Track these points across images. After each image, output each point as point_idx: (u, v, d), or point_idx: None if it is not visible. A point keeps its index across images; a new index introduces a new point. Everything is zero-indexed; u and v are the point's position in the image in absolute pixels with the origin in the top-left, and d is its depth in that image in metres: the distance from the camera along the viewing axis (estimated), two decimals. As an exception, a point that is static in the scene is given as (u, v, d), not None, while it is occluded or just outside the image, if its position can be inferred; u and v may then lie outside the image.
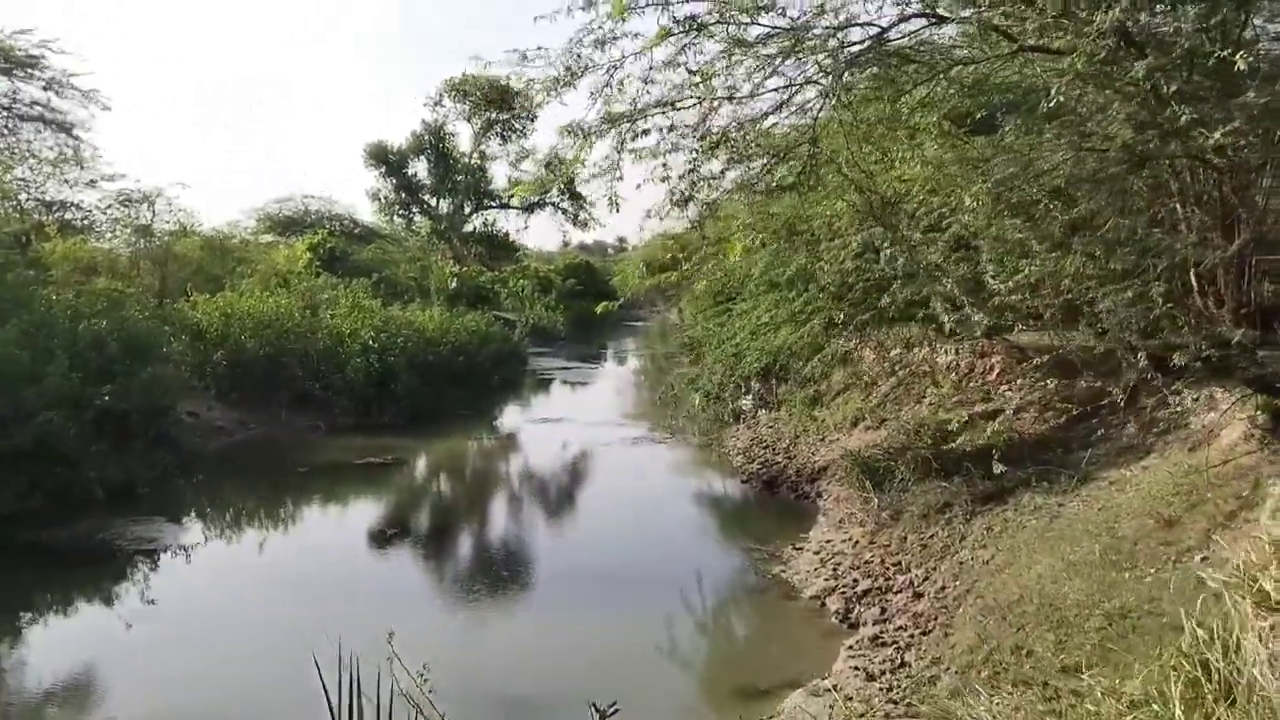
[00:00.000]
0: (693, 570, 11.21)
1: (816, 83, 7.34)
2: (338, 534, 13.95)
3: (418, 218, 44.19)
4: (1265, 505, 7.09)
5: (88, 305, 16.19)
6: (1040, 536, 9.04)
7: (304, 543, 13.49)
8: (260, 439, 18.87)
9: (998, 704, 5.37)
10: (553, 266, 54.13)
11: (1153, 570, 7.35)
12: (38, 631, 9.90)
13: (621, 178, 7.47)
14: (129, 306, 17.65)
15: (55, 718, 7.85)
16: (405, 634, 5.27)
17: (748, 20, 7.02)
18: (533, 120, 41.03)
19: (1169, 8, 6.98)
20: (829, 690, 7.57)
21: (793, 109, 7.73)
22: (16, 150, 22.60)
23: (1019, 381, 12.04)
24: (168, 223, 24.68)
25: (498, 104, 40.34)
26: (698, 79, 7.07)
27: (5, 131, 22.67)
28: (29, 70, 22.09)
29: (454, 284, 36.66)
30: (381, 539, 13.20)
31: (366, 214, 44.75)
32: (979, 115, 7.86)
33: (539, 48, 7.01)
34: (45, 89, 22.51)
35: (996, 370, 13.32)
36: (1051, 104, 6.00)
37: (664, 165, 7.49)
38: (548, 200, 41.11)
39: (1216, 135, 5.28)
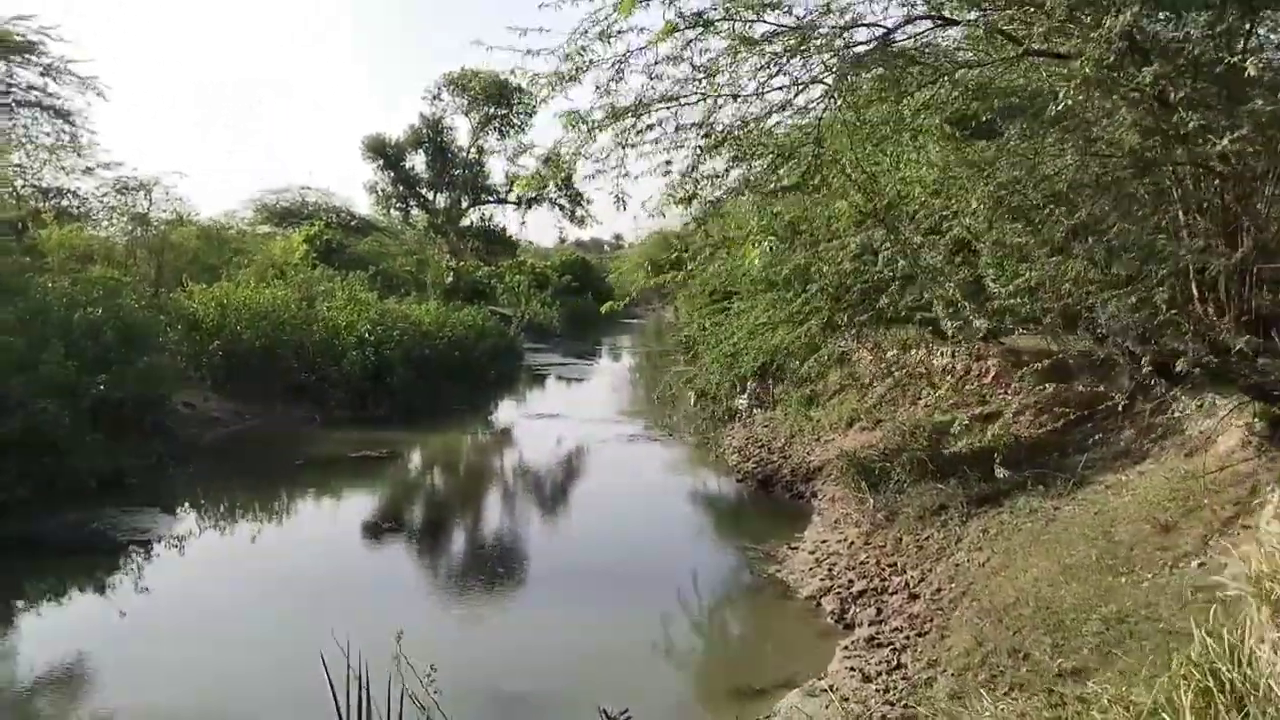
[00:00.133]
0: (688, 569, 11.21)
1: (822, 82, 7.34)
2: (332, 527, 13.92)
3: (415, 211, 44.07)
4: (1264, 511, 7.13)
5: (83, 293, 16.12)
6: (1036, 540, 9.06)
7: (299, 535, 13.46)
8: (256, 430, 18.83)
9: (1002, 709, 5.37)
10: (549, 263, 54.07)
11: (1149, 575, 7.37)
12: (29, 621, 9.84)
13: (627, 174, 7.46)
14: (125, 295, 17.58)
15: (48, 709, 7.82)
16: (399, 627, 5.27)
17: (754, 17, 7.01)
18: (531, 116, 40.96)
19: (1174, 15, 6.99)
20: (825, 691, 7.57)
21: (797, 109, 7.73)
22: (13, 136, 22.49)
23: (1016, 385, 12.06)
24: (164, 211, 24.61)
25: (496, 99, 40.25)
26: (702, 76, 7.05)
27: (2, 116, 22.56)
28: (26, 55, 21.97)
29: (450, 278, 36.62)
30: (376, 533, 13.19)
31: (364, 206, 44.72)
32: (984, 119, 7.85)
33: (540, 29, 6.96)
34: (43, 74, 22.41)
35: (993, 374, 13.35)
36: (1060, 107, 6.00)
37: (667, 161, 7.49)
38: (545, 196, 40.98)
39: (1224, 142, 5.29)
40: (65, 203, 24.37)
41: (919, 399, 14.27)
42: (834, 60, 7.19)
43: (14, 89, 22.42)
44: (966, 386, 13.41)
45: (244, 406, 19.48)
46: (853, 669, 8.00)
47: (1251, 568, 3.90)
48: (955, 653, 7.53)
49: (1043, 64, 7.05)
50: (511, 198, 43.18)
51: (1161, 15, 7.02)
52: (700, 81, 7.05)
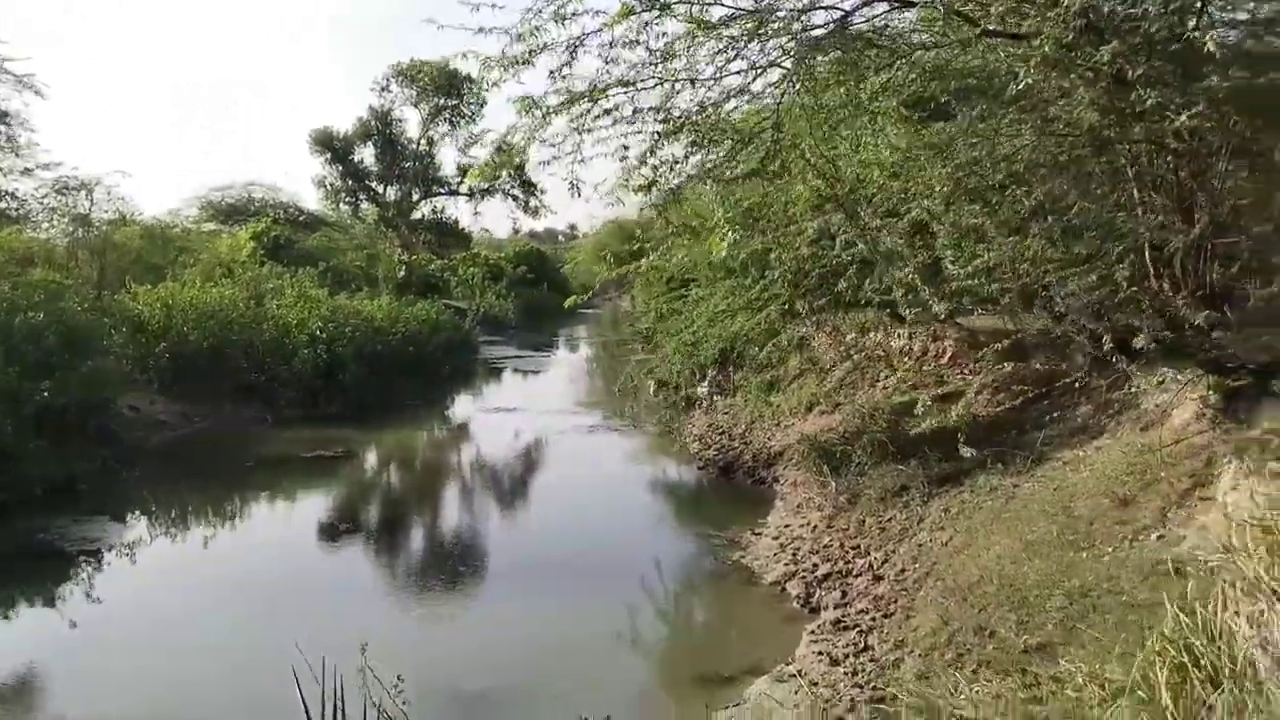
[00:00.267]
0: (651, 558, 11.16)
1: (779, 66, 7.27)
2: (286, 529, 13.65)
3: (365, 205, 43.40)
4: (1221, 482, 7.25)
5: (24, 297, 15.62)
6: (997, 517, 9.13)
7: (252, 539, 13.17)
8: (205, 432, 18.41)
9: (977, 691, 5.37)
10: (503, 254, 53.67)
11: (1110, 549, 7.44)
12: (-25, 634, 9.52)
13: (582, 159, 7.34)
14: (67, 298, 17.06)
15: (-3, 723, 7.57)
16: (357, 631, 5.16)
17: (711, 1, 6.94)
18: (482, 106, 40.53)
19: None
20: (794, 676, 7.56)
21: (754, 94, 7.67)
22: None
23: (973, 365, 12.16)
24: (106, 212, 23.91)
25: (446, 90, 39.75)
26: (659, 60, 6.94)
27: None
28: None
29: (403, 272, 36.17)
30: (332, 534, 12.94)
31: (312, 201, 43.96)
32: (941, 101, 7.85)
33: (493, 4, 6.78)
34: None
35: (949, 354, 13.45)
36: (1020, 86, 6.00)
37: (624, 146, 7.39)
38: (498, 187, 40.62)
39: (1182, 118, 5.31)
40: (3, 205, 23.54)
41: (877, 381, 14.33)
42: (791, 44, 7.13)
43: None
44: (924, 368, 13.49)
45: (192, 408, 19.02)
46: (820, 653, 8.00)
47: (1222, 539, 3.90)
48: (922, 633, 7.56)
49: (999, 44, 7.05)
50: (464, 189, 42.73)
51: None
52: (657, 66, 6.95)
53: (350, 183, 41.91)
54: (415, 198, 43.14)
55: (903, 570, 9.19)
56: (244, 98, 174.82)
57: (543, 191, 41.41)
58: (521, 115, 7.08)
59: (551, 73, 6.83)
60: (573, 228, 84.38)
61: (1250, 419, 7.92)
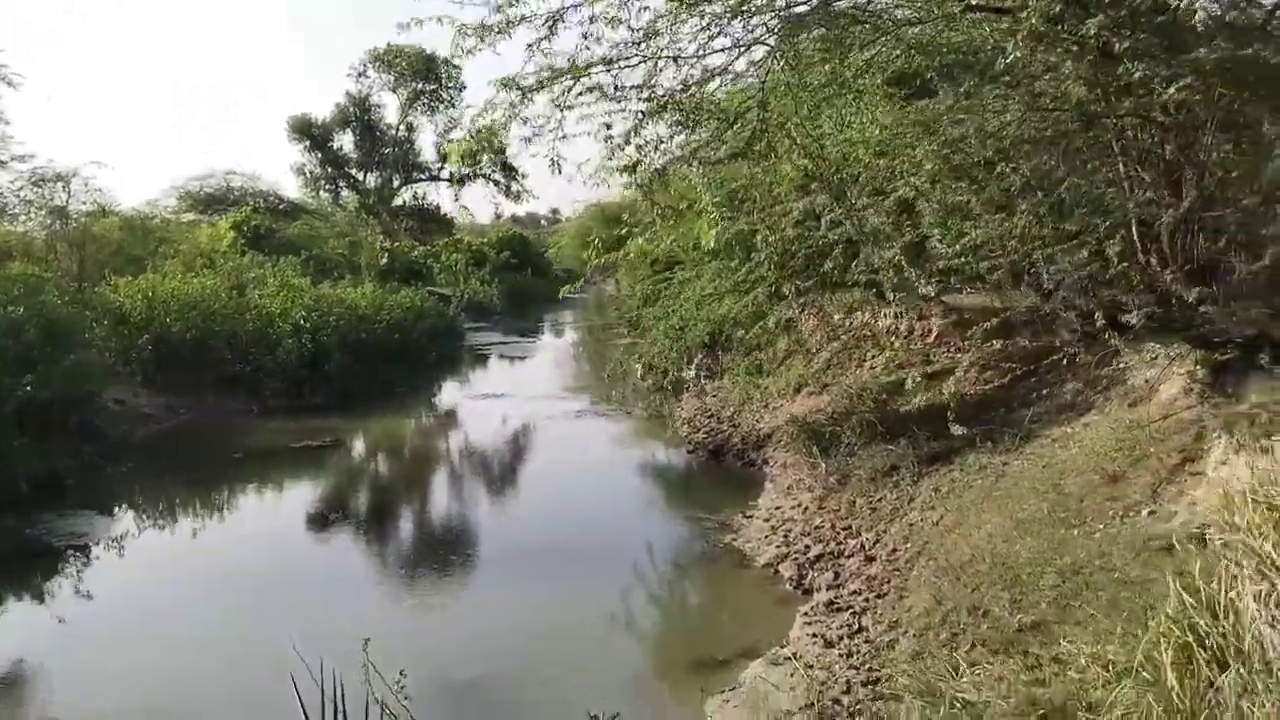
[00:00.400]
0: (641, 542, 11.13)
1: (763, 43, 7.19)
2: (275, 520, 13.56)
3: (345, 192, 43.11)
4: (1210, 456, 7.26)
5: (3, 292, 15.41)
6: (988, 496, 9.13)
7: (240, 531, 13.07)
8: (190, 424, 18.25)
9: (979, 674, 5.35)
10: (486, 240, 53.37)
11: (1101, 526, 7.45)
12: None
13: (564, 136, 7.24)
14: (47, 291, 16.85)
15: (-12, 721, 7.49)
16: (348, 621, 5.10)
17: (692, -23, 6.83)
18: (461, 90, 40.24)
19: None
20: (788, 659, 7.55)
21: (738, 73, 7.59)
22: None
23: (960, 343, 12.14)
24: (84, 203, 23.61)
25: (424, 74, 39.44)
26: (641, 37, 6.84)
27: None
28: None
29: (385, 260, 35.92)
30: (321, 524, 12.87)
31: (292, 189, 43.61)
32: (925, 78, 7.78)
33: None
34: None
35: (935, 333, 13.43)
36: (1006, 61, 5.95)
37: (607, 125, 7.29)
38: (479, 172, 40.39)
39: (1169, 91, 5.27)
40: (-22, 199, 23.20)
41: (865, 361, 14.31)
42: (775, 21, 7.04)
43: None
44: (912, 347, 13.46)
45: (176, 400, 18.85)
46: (814, 635, 7.99)
47: (1224, 515, 3.86)
48: (915, 613, 7.55)
49: (985, 19, 6.99)
50: (445, 175, 42.48)
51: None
52: (640, 45, 6.84)
53: (330, 170, 41.66)
54: (396, 184, 42.92)
55: (894, 550, 9.19)
56: (244, 98, 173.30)
57: (524, 175, 41.30)
58: (500, 92, 6.96)
59: (529, 45, 6.70)
60: (555, 212, 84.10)
61: (1238, 393, 7.93)
